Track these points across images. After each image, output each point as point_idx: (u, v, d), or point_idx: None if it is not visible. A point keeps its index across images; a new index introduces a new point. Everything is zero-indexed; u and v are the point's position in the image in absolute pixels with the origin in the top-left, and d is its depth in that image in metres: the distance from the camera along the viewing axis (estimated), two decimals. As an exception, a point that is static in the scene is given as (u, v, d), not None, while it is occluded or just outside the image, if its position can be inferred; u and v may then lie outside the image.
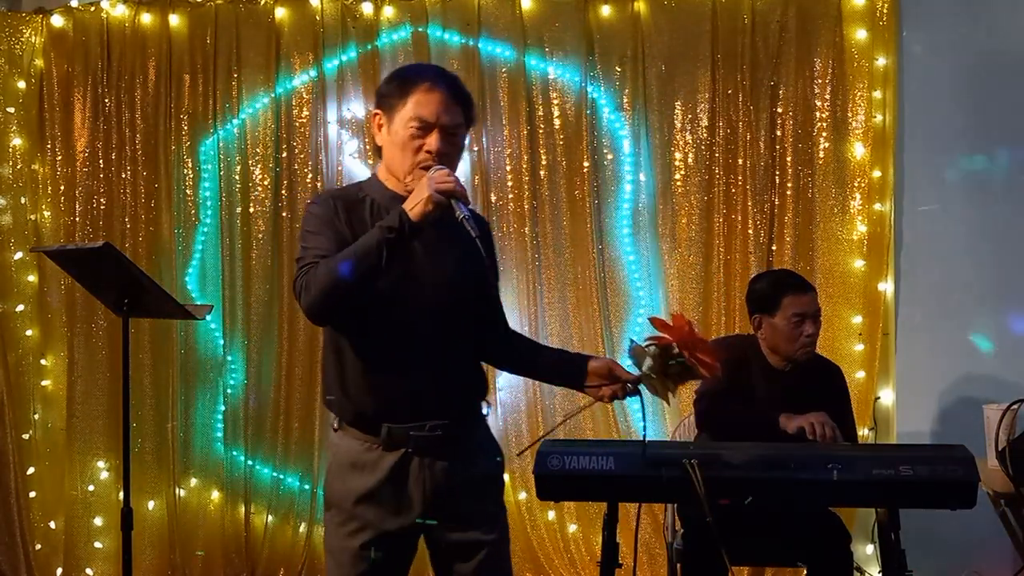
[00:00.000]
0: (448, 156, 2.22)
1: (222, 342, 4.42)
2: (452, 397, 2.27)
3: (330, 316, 2.22)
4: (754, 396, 3.31)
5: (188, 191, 4.43)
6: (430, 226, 2.13)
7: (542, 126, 4.23)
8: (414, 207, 2.09)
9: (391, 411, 2.24)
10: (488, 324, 2.42)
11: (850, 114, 4.05)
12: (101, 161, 4.44)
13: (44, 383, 4.54)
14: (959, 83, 4.07)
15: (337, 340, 2.29)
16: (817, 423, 3.05)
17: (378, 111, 2.30)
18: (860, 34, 4.04)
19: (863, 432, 3.98)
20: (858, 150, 4.05)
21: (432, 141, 2.21)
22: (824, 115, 4.07)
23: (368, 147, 4.32)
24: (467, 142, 2.38)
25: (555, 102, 4.23)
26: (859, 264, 4.05)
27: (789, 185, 4.08)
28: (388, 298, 2.20)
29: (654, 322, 2.27)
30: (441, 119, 2.21)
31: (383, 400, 2.24)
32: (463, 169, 4.26)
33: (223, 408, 4.42)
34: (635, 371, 2.35)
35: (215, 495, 4.45)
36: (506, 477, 2.86)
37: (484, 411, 2.43)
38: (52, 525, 4.50)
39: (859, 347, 4.05)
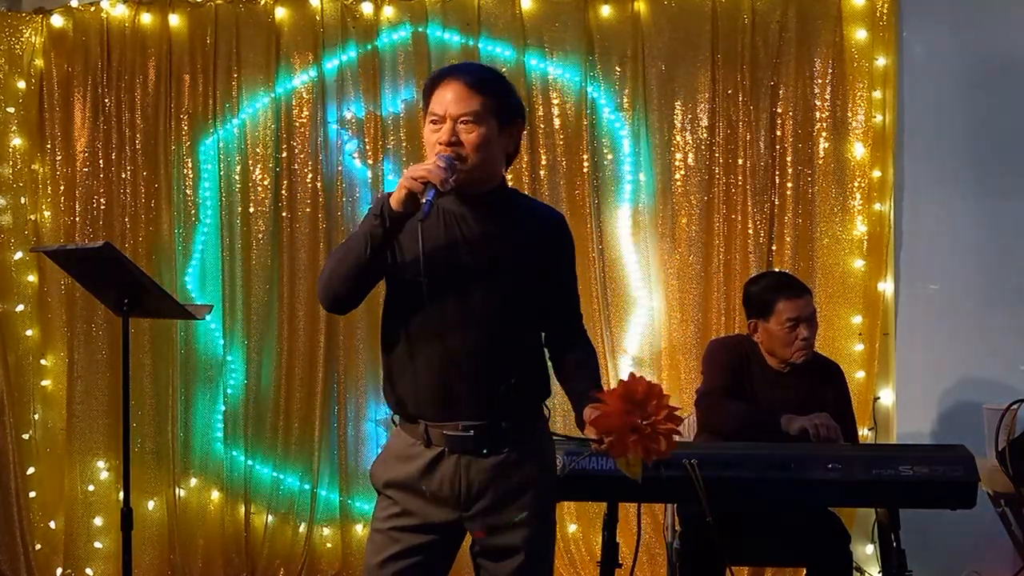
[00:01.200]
0: (463, 144, 2.19)
1: (222, 342, 4.42)
2: (492, 397, 2.22)
3: (336, 308, 2.26)
4: (755, 397, 3.31)
5: (188, 191, 4.43)
6: (416, 214, 2.11)
7: (542, 126, 4.23)
8: (393, 195, 2.11)
9: (427, 409, 2.24)
10: (547, 322, 2.38)
11: (850, 114, 4.05)
12: (101, 161, 4.44)
13: (44, 383, 4.54)
14: (959, 83, 4.07)
15: (385, 335, 2.31)
16: (820, 425, 3.04)
17: (424, 114, 2.31)
18: (860, 34, 4.04)
19: (863, 432, 3.98)
20: (858, 150, 4.05)
21: (441, 132, 2.20)
22: (824, 115, 4.07)
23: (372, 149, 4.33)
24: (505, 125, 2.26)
25: (555, 102, 4.23)
26: (859, 264, 4.05)
27: (789, 185, 4.08)
28: (427, 294, 2.19)
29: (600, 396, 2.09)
30: (450, 110, 2.19)
31: (420, 398, 2.25)
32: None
33: (223, 408, 4.42)
34: None
35: (215, 495, 4.45)
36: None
37: (545, 414, 2.36)
38: (52, 525, 4.50)
39: (859, 347, 4.05)
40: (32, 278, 4.53)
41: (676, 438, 2.08)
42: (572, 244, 2.42)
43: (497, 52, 4.24)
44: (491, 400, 2.22)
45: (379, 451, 2.48)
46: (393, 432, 2.36)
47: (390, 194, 2.13)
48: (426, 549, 2.27)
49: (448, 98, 2.20)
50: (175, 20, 4.40)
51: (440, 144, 2.18)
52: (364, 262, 2.14)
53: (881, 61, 4.04)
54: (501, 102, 2.25)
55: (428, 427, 2.24)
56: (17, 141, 4.50)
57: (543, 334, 2.39)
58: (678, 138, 4.18)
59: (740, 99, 4.11)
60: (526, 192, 4.18)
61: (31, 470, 4.49)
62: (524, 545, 2.27)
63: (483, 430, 2.23)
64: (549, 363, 2.41)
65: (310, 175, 4.35)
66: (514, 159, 2.37)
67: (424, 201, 2.06)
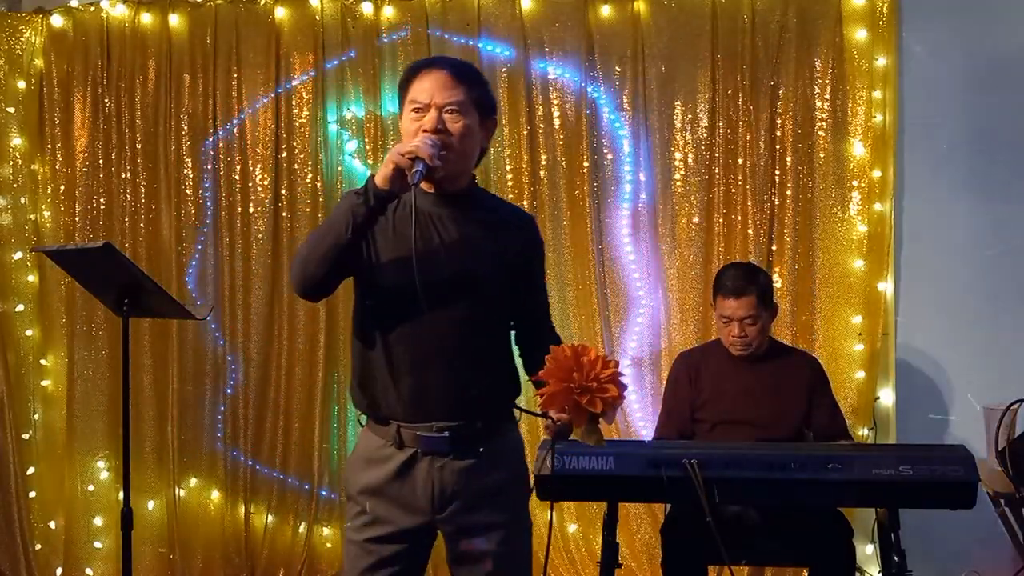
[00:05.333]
0: (447, 133, 2.19)
1: (222, 342, 4.42)
2: (468, 398, 2.21)
3: (309, 290, 2.21)
4: (714, 387, 3.41)
5: (188, 191, 4.42)
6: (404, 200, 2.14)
7: (542, 126, 4.23)
8: (379, 172, 2.10)
9: (400, 410, 2.23)
10: (520, 322, 2.38)
11: (850, 114, 4.05)
12: (101, 161, 4.44)
13: (44, 383, 4.54)
14: (959, 83, 4.07)
15: (358, 334, 2.29)
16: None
17: (400, 108, 2.31)
18: (860, 34, 4.04)
19: (863, 432, 3.98)
20: (858, 150, 4.05)
21: (427, 120, 2.19)
22: (824, 115, 4.07)
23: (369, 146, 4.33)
24: (483, 121, 2.28)
25: (555, 102, 4.23)
26: (859, 264, 4.05)
27: (789, 185, 4.08)
28: (400, 292, 2.17)
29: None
30: (436, 98, 2.19)
31: (393, 399, 2.23)
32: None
33: (223, 408, 4.42)
34: None
35: (215, 495, 4.45)
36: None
37: (516, 417, 2.35)
38: (52, 525, 4.50)
39: (859, 347, 4.04)
40: (32, 278, 4.53)
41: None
42: (543, 245, 2.46)
43: (497, 52, 4.24)
44: (466, 401, 2.22)
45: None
46: (361, 434, 2.35)
47: (373, 175, 2.12)
48: (399, 558, 2.27)
49: (433, 86, 2.20)
50: (175, 20, 4.40)
51: (425, 131, 2.17)
52: (344, 242, 2.11)
53: (881, 61, 4.04)
54: (483, 94, 2.28)
55: (401, 428, 2.23)
56: (17, 141, 4.50)
57: (513, 333, 2.40)
58: (678, 138, 4.17)
59: (740, 99, 4.11)
60: (526, 192, 4.21)
61: (31, 470, 4.49)
62: (498, 548, 2.27)
63: (458, 431, 2.22)
64: (519, 361, 2.42)
65: (310, 175, 4.35)
66: (483, 158, 2.38)
67: (414, 171, 2.06)
